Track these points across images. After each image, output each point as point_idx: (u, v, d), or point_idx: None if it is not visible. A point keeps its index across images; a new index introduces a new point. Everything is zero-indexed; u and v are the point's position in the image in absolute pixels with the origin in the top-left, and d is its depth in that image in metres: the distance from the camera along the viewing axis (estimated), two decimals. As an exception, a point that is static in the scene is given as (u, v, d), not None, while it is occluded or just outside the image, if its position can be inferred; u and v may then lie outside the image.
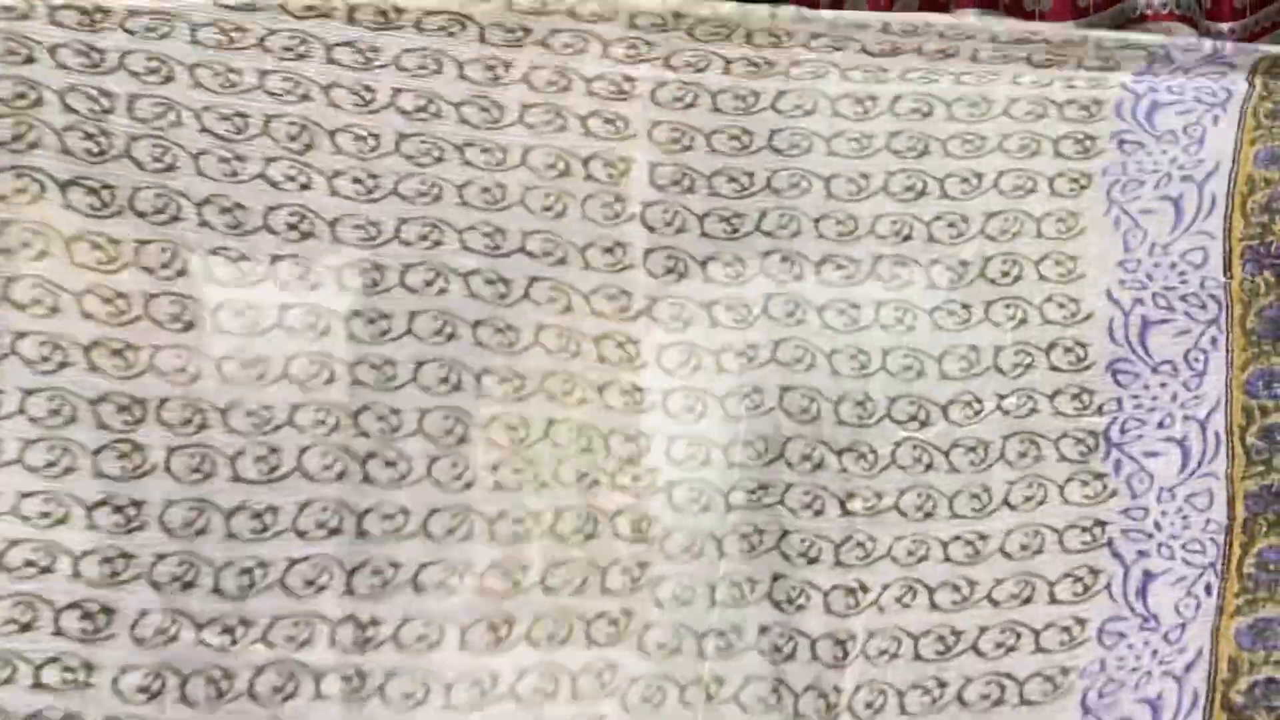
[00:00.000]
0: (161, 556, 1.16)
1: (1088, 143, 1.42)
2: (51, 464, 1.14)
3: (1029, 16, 2.00)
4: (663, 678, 1.25)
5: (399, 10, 1.29)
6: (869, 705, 1.26)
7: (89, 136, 1.19)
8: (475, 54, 1.32)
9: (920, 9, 2.03)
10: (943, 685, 1.28)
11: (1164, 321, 1.40)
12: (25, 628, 1.11)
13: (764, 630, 1.28)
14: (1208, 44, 1.48)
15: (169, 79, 1.23)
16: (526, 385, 1.25)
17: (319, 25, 1.27)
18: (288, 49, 1.27)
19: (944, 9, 2.03)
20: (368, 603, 1.20)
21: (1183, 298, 1.40)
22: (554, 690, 1.23)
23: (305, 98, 1.24)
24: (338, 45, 1.28)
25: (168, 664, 1.15)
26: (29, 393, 1.14)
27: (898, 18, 1.46)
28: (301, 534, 1.19)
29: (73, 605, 1.12)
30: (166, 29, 1.23)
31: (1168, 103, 1.45)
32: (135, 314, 1.17)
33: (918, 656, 1.29)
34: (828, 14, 1.42)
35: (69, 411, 1.15)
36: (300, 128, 1.24)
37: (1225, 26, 2.05)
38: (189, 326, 1.18)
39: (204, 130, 1.22)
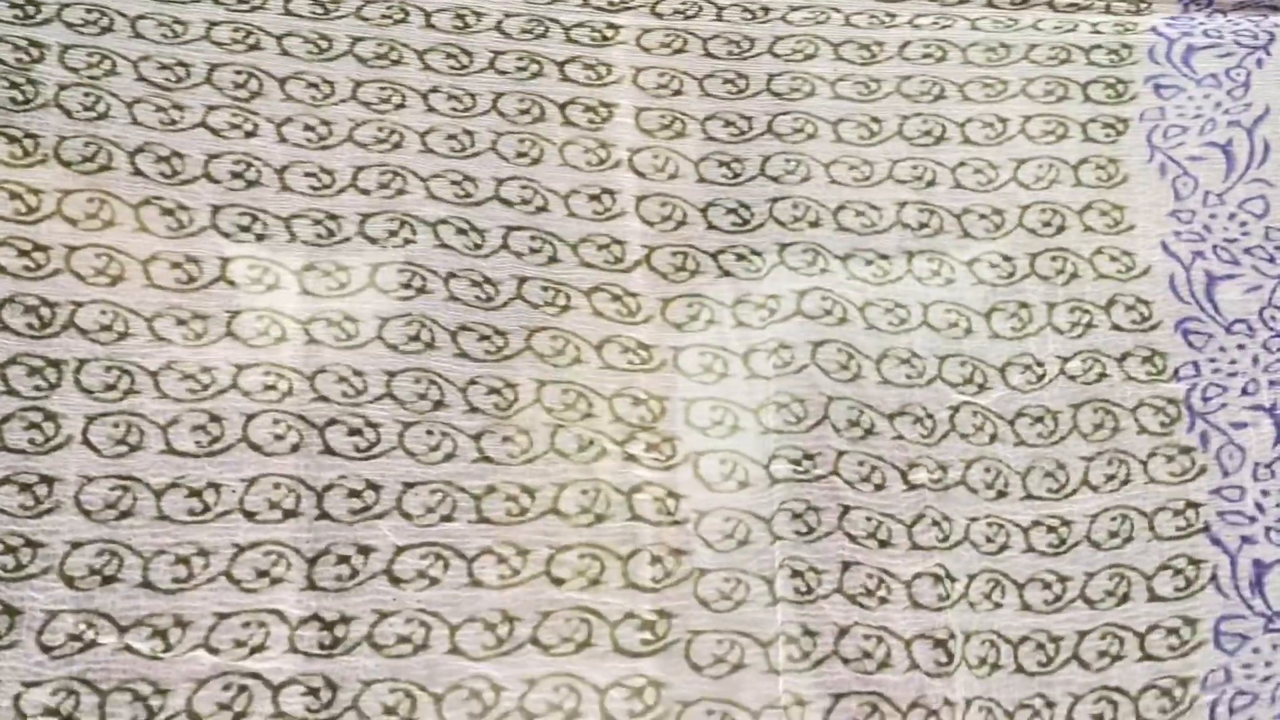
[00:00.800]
0: (76, 545, 0.97)
1: (1120, 87, 1.32)
2: None
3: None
4: (724, 701, 1.01)
5: None
6: None
7: (14, 85, 1.09)
8: (444, 3, 1.24)
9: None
10: (1050, 705, 1.07)
11: (1230, 277, 1.27)
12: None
13: (844, 632, 1.03)
14: None
15: (108, 30, 1.14)
16: (510, 343, 1.05)
17: None
18: (243, 1, 1.19)
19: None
20: (334, 598, 0.99)
21: (1247, 250, 1.28)
22: (576, 708, 0.99)
23: (255, 47, 1.11)
24: None
25: (82, 677, 0.94)
26: None
27: None
28: (250, 515, 0.99)
29: None
30: None
31: (1205, 46, 1.35)
32: (55, 268, 0.98)
33: (1019, 668, 1.07)
34: None
35: None
36: (247, 75, 1.10)
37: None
38: (116, 281, 0.99)
39: (140, 79, 1.10)
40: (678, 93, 1.22)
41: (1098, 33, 1.32)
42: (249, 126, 1.11)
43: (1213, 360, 1.22)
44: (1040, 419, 1.15)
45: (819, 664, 1.02)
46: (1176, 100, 1.31)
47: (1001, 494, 1.12)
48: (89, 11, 1.12)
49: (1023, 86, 1.29)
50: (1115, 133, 1.28)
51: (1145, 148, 1.28)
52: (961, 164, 1.24)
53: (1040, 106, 1.28)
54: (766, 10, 1.27)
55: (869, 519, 1.07)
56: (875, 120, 1.25)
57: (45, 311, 1.00)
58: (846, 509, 1.07)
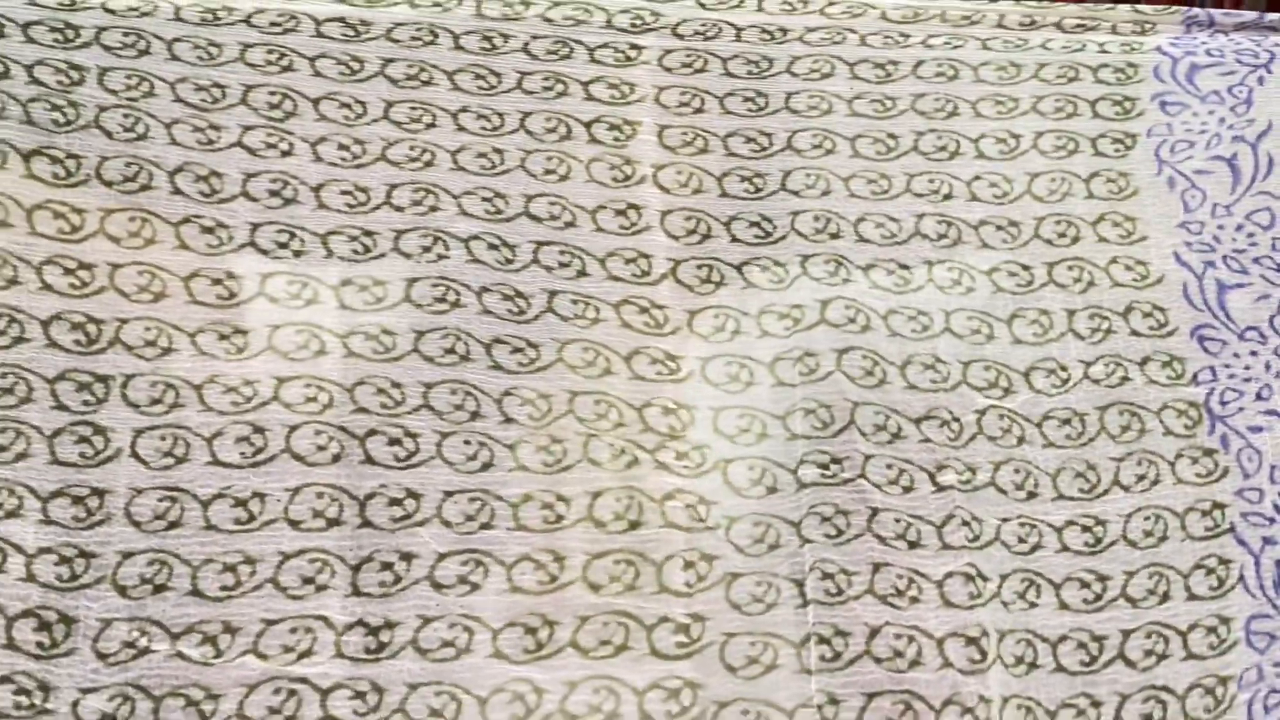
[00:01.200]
0: (128, 555, 0.98)
1: (1127, 104, 1.34)
2: (2, 449, 0.98)
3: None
4: (759, 701, 1.03)
5: None
6: None
7: (55, 108, 1.11)
8: (472, 26, 1.25)
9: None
10: (1096, 705, 1.07)
11: (1240, 286, 1.29)
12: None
13: (876, 632, 1.04)
14: (1248, 13, 1.44)
15: (144, 52, 1.16)
16: (542, 355, 1.07)
17: (308, 4, 1.22)
18: (275, 24, 1.20)
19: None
20: (379, 603, 1.00)
21: (1255, 260, 1.30)
22: (615, 710, 1.01)
23: (288, 69, 1.13)
24: (327, 21, 1.22)
25: (137, 683, 0.95)
26: None
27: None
28: (295, 524, 1.01)
29: (26, 614, 0.94)
30: (149, 8, 1.17)
31: (1207, 64, 1.38)
32: (99, 285, 0.99)
33: (1060, 667, 1.08)
34: None
35: (24, 390, 1.00)
36: (282, 96, 1.11)
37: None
38: (159, 297, 1.00)
39: (177, 100, 1.12)
40: (699, 110, 1.24)
41: (1105, 52, 1.35)
42: (285, 146, 1.13)
43: (1228, 366, 1.24)
44: (1068, 421, 1.17)
45: (851, 664, 1.03)
46: (1182, 116, 1.34)
47: (1032, 495, 1.13)
48: (126, 35, 1.14)
49: (1033, 103, 1.31)
50: (1124, 148, 1.31)
51: (1154, 162, 1.31)
52: (977, 178, 1.27)
53: (1051, 123, 1.31)
54: (784, 31, 1.29)
55: (898, 520, 1.08)
56: (892, 136, 1.27)
57: (92, 328, 1.02)
58: (875, 511, 1.08)
